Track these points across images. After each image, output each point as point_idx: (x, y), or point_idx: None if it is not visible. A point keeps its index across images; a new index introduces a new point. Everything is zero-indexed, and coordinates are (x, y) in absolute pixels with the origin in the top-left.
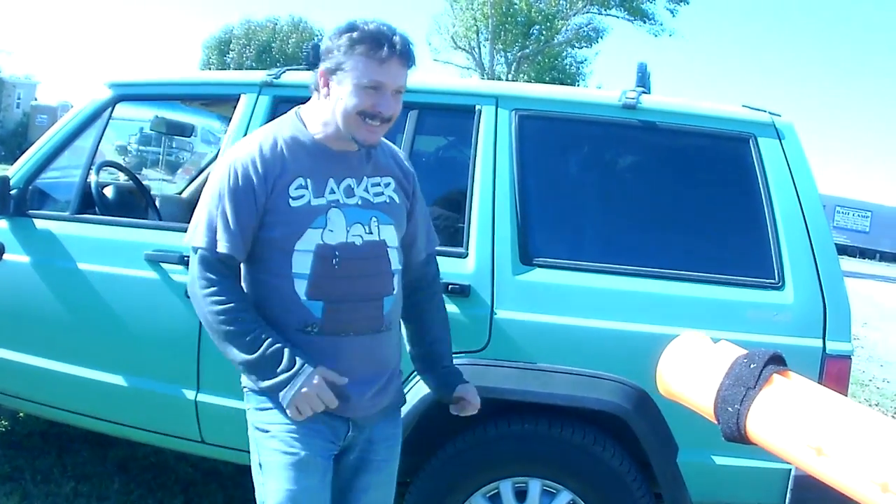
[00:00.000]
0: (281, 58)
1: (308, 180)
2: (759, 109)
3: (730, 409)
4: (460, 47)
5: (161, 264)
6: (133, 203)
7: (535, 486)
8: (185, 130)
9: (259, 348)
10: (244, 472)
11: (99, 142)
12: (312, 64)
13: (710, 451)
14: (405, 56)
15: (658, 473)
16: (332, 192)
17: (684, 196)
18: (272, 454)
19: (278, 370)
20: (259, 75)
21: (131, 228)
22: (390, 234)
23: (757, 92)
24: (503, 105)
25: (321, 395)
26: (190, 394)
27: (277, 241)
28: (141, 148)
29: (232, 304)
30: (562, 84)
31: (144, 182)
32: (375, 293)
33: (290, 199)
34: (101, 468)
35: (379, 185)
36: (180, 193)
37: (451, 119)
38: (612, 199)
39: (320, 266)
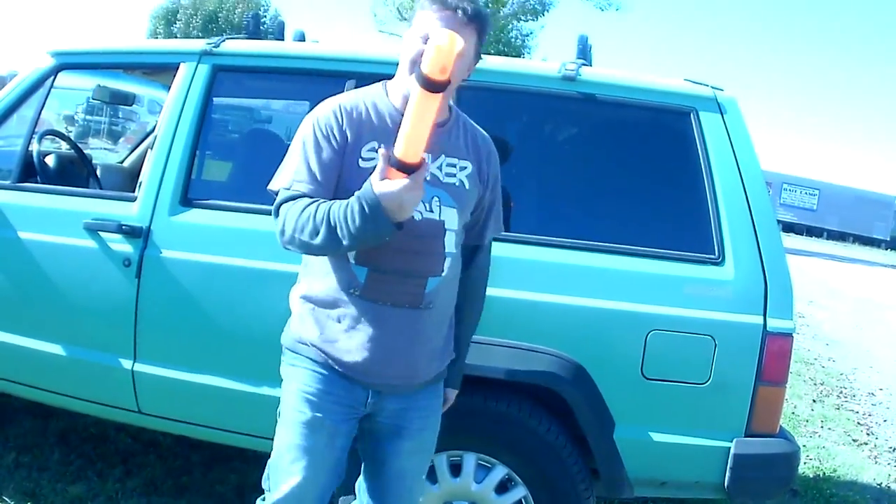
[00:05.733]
0: (227, 28)
1: (382, 145)
2: (700, 83)
3: None
4: (405, 18)
5: (99, 233)
6: (74, 172)
7: (469, 460)
8: (127, 99)
9: (337, 219)
10: (183, 443)
11: (41, 110)
12: (252, 33)
13: (648, 427)
14: (465, 14)
15: (594, 449)
16: None
17: (623, 169)
18: (288, 409)
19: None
20: (199, 44)
21: (71, 197)
22: (451, 217)
23: (708, 69)
24: None
25: (402, 198)
26: (127, 363)
27: (339, 199)
28: (88, 117)
29: (298, 208)
30: (507, 57)
31: (87, 151)
32: (421, 271)
33: (360, 160)
34: (41, 439)
35: (455, 166)
36: (122, 162)
37: None
38: (549, 171)
39: None
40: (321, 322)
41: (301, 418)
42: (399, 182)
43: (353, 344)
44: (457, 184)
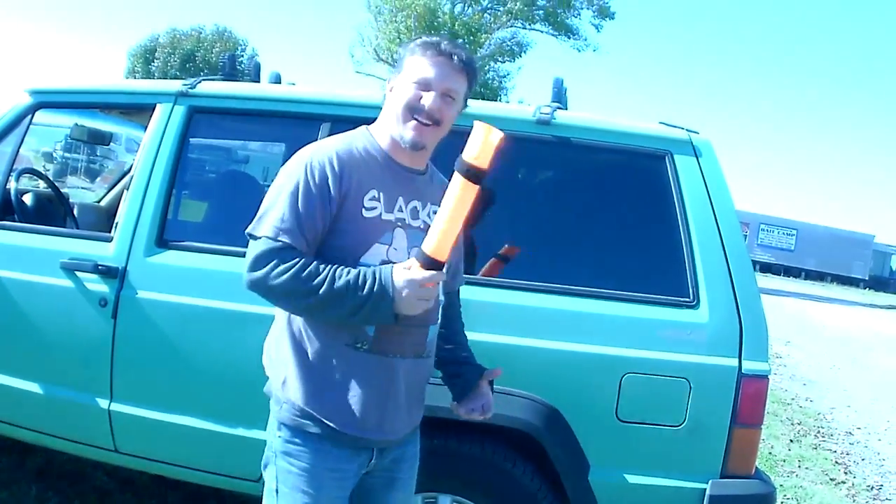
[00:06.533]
0: (205, 67)
1: (381, 193)
2: (676, 126)
3: None
4: (383, 59)
5: (76, 273)
6: (51, 211)
7: (444, 502)
8: (105, 139)
9: (343, 289)
10: (160, 482)
11: (18, 148)
12: (229, 74)
13: (623, 469)
14: (460, 61)
15: (569, 492)
16: (400, 210)
17: (599, 213)
18: (292, 490)
19: (364, 294)
20: (175, 84)
21: (48, 236)
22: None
23: (686, 110)
24: None
25: (417, 292)
26: (103, 403)
27: (343, 249)
28: (66, 155)
29: (297, 267)
30: (483, 98)
31: (65, 190)
32: (425, 320)
33: (364, 209)
34: (19, 475)
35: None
36: (99, 202)
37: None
38: (524, 216)
39: None
40: (321, 384)
41: (306, 500)
42: (419, 272)
43: (362, 404)
44: None
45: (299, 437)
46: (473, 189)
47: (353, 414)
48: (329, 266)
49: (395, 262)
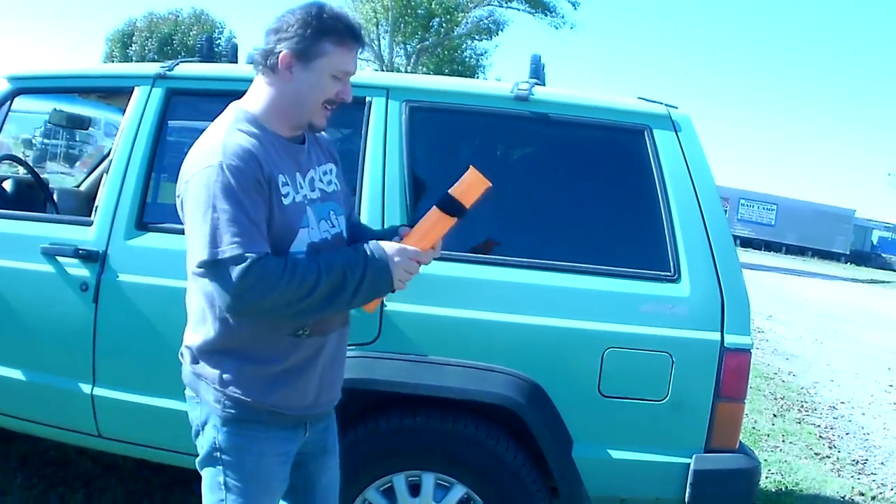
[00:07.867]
0: (182, 50)
1: (286, 176)
2: (654, 101)
3: None
4: None
5: (57, 258)
6: (31, 196)
7: (428, 480)
8: (83, 123)
9: (342, 277)
10: (144, 466)
11: None
12: (206, 56)
13: (606, 444)
14: (363, 44)
15: (553, 467)
16: (301, 186)
17: (578, 188)
18: (244, 482)
19: (360, 274)
20: (153, 67)
21: (28, 222)
22: (343, 224)
23: (665, 85)
24: (394, 97)
25: (407, 268)
26: (86, 388)
27: (273, 245)
28: (45, 141)
29: (287, 273)
30: (461, 76)
31: (45, 175)
32: None
33: (282, 197)
34: (3, 463)
35: (327, 173)
36: (78, 186)
37: (342, 111)
38: (503, 191)
39: None
40: (268, 377)
41: (257, 488)
42: (410, 248)
43: (307, 385)
44: (336, 189)
45: (246, 431)
46: (450, 221)
47: (299, 396)
48: (309, 256)
49: (314, 241)
